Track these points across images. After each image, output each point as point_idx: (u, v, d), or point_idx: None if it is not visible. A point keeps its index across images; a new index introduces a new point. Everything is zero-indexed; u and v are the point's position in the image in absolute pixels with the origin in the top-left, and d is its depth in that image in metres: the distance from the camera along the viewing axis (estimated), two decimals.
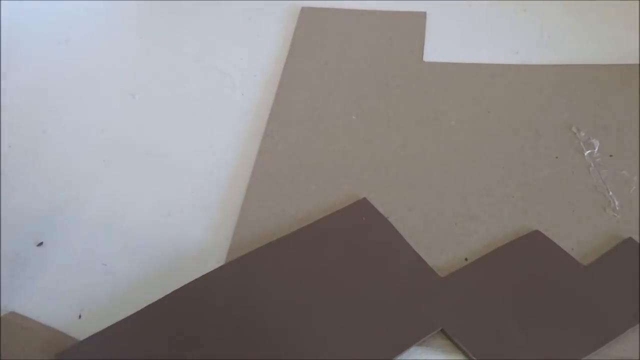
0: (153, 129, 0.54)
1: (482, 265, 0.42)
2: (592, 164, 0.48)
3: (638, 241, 0.43)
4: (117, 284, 0.44)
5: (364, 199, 0.47)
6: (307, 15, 0.64)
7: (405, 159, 0.50)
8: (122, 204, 0.49)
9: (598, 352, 0.38)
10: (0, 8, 0.58)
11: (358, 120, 0.53)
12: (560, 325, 0.39)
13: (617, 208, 0.45)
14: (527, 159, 0.49)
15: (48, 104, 0.57)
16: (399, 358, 0.39)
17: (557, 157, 0.49)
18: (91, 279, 0.44)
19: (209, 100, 0.56)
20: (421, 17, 0.62)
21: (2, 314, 0.42)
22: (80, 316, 0.42)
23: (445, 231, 0.45)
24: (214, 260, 0.44)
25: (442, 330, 0.39)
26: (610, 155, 0.48)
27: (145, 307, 0.41)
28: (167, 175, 0.50)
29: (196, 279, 0.42)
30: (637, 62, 0.55)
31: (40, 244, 0.46)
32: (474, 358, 0.38)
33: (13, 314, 0.42)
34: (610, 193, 0.46)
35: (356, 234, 0.44)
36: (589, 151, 0.49)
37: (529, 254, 0.43)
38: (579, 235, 0.44)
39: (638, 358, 0.38)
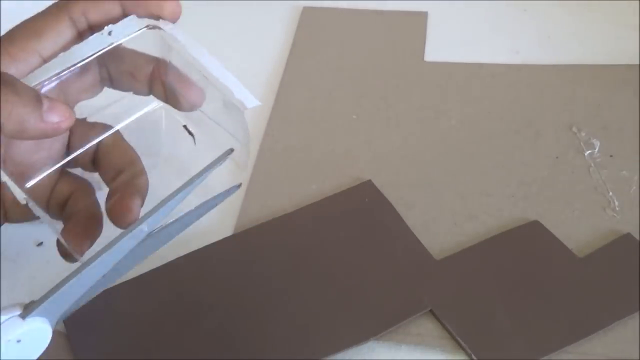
0: None
1: (477, 250, 0.43)
2: (592, 164, 0.48)
3: (637, 238, 0.43)
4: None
5: (369, 181, 0.47)
6: (308, 15, 0.64)
7: (405, 158, 0.50)
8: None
9: (598, 352, 0.38)
10: (0, 8, 0.58)
11: (358, 119, 0.53)
12: (548, 312, 0.39)
13: (617, 208, 0.45)
14: (527, 159, 0.49)
15: None
16: (396, 358, 0.39)
17: (557, 157, 0.49)
18: None
19: None
20: (423, 16, 0.63)
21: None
22: None
23: (444, 230, 0.45)
24: None
25: (430, 311, 0.40)
26: (611, 156, 0.48)
27: (151, 270, 0.42)
28: (168, 174, 0.50)
29: (201, 248, 0.44)
30: (638, 63, 0.55)
31: (40, 244, 0.46)
32: (463, 343, 0.39)
33: None
34: (610, 193, 0.46)
35: (358, 213, 0.46)
36: (589, 151, 0.49)
37: (526, 242, 0.43)
38: (578, 235, 0.44)
39: (638, 358, 0.38)
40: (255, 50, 0.61)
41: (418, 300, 0.40)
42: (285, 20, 0.64)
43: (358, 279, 0.42)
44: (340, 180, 0.48)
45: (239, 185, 0.38)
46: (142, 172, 0.39)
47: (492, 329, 0.39)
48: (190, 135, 0.43)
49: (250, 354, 0.39)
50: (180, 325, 0.40)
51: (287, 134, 0.52)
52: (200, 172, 0.36)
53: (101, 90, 0.40)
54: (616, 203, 0.45)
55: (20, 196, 0.33)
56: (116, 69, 0.39)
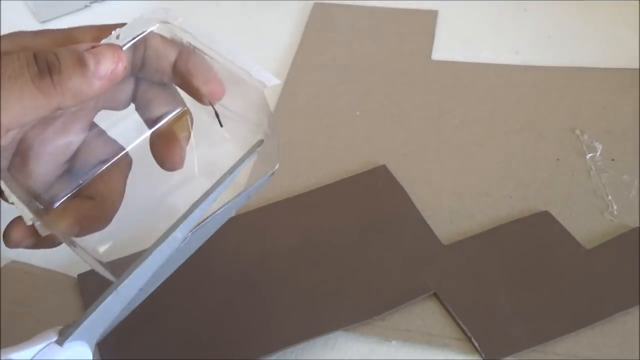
0: None
1: (485, 237, 0.44)
2: (593, 168, 0.48)
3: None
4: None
5: (384, 165, 0.49)
6: (319, 11, 0.64)
7: (406, 156, 0.50)
8: (123, 202, 0.49)
9: (597, 352, 0.38)
10: (0, 8, 0.59)
11: (362, 116, 0.53)
12: (551, 300, 0.40)
13: (615, 212, 0.45)
14: (528, 160, 0.49)
15: None
16: (409, 358, 0.39)
17: (558, 159, 0.49)
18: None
19: None
20: (433, 15, 0.63)
21: (2, 264, 0.43)
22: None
23: (442, 229, 0.45)
24: None
25: (434, 294, 0.41)
26: (612, 160, 0.48)
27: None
28: (169, 174, 0.51)
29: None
30: (638, 63, 0.55)
31: None
32: (463, 325, 0.39)
33: (14, 262, 0.44)
34: (610, 197, 0.46)
35: (370, 196, 0.47)
36: (591, 154, 0.49)
37: (534, 231, 0.44)
38: (576, 237, 0.43)
39: (638, 358, 0.38)
40: (265, 44, 0.61)
41: (423, 283, 0.41)
42: (296, 16, 0.64)
43: (366, 259, 0.43)
44: (342, 176, 0.49)
45: (272, 174, 0.36)
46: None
47: (495, 313, 0.40)
48: (216, 118, 0.39)
49: (257, 328, 0.40)
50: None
51: (290, 129, 0.53)
52: (231, 168, 0.34)
53: (129, 104, 0.37)
54: (615, 207, 0.45)
55: (27, 217, 0.32)
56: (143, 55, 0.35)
